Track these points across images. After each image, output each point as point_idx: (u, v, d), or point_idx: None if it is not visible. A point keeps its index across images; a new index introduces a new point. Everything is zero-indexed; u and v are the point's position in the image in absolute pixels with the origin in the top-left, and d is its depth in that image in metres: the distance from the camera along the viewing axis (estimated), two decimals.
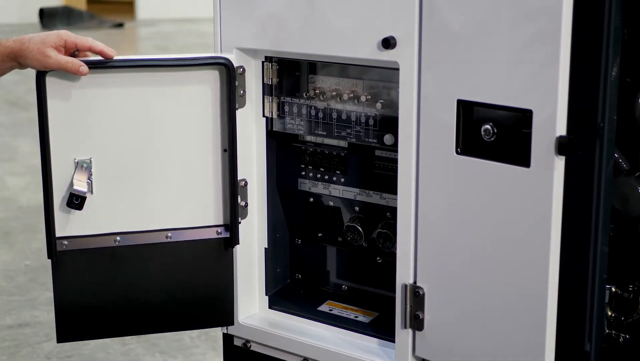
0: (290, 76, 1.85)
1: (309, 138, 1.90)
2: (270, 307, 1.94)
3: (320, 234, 1.95)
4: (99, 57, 1.72)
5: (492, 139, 1.54)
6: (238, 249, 1.86)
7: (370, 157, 1.84)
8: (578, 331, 1.54)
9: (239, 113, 1.80)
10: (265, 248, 1.92)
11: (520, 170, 1.49)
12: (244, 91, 1.81)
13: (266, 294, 1.94)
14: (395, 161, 1.68)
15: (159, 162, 1.79)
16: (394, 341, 1.71)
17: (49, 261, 1.77)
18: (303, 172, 1.93)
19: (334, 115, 1.81)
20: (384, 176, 1.82)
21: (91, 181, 1.74)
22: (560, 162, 1.46)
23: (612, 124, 1.51)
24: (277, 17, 1.73)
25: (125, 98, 1.75)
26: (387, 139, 1.75)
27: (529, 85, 1.47)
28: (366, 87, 1.78)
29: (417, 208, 1.63)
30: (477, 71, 1.52)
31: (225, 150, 1.80)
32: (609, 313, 1.72)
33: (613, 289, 1.71)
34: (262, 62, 1.82)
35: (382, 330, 1.81)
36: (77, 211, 1.73)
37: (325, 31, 1.69)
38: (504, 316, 1.56)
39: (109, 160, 1.76)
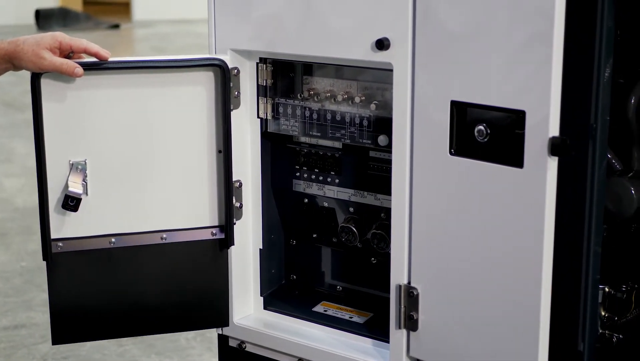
0: (284, 77, 1.85)
1: (303, 139, 1.90)
2: (265, 308, 1.94)
3: (314, 235, 1.96)
4: (93, 59, 1.72)
5: (486, 140, 1.54)
6: (233, 250, 1.86)
7: (365, 158, 1.85)
8: (571, 331, 1.54)
9: (234, 114, 1.80)
10: (260, 249, 1.92)
11: (513, 171, 1.50)
12: (239, 92, 1.81)
13: (261, 295, 1.94)
14: (389, 161, 1.68)
15: (153, 163, 1.79)
16: (388, 342, 1.71)
17: (45, 262, 1.77)
18: (297, 173, 1.94)
19: (329, 116, 1.82)
20: (378, 177, 1.82)
21: (86, 182, 1.74)
22: (553, 163, 1.46)
23: (605, 125, 1.51)
24: (271, 18, 1.74)
25: (120, 99, 1.75)
26: (381, 140, 1.76)
27: (522, 86, 1.47)
28: (360, 88, 1.78)
29: (411, 208, 1.63)
30: (471, 72, 1.52)
31: (220, 151, 1.80)
32: (603, 313, 1.72)
33: (606, 289, 1.72)
34: (257, 64, 1.83)
35: (377, 330, 1.81)
36: (72, 213, 1.74)
37: (320, 32, 1.69)
38: (497, 316, 1.56)
39: (104, 162, 1.76)
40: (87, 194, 1.75)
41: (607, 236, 1.75)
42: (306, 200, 1.94)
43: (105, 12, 12.71)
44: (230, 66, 1.78)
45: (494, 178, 1.52)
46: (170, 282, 1.84)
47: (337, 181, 1.90)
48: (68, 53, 1.70)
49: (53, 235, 1.74)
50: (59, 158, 1.73)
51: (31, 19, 11.24)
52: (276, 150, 1.91)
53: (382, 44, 1.60)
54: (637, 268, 1.76)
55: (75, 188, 1.72)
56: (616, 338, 1.71)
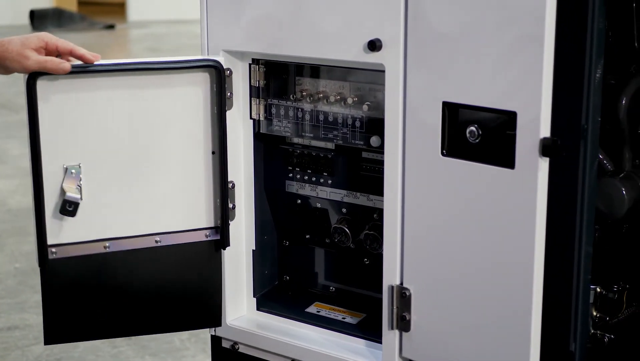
0: (277, 78, 1.86)
1: (296, 140, 1.90)
2: (258, 309, 1.95)
3: (307, 236, 1.96)
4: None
5: (477, 140, 1.55)
6: (226, 252, 1.86)
7: (357, 159, 1.85)
8: (563, 331, 1.55)
9: (227, 115, 1.80)
10: (252, 250, 1.92)
11: (505, 171, 1.50)
12: (231, 93, 1.82)
13: (254, 296, 1.95)
14: (381, 162, 1.68)
15: (147, 165, 1.79)
16: (381, 343, 1.72)
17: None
18: (290, 174, 1.94)
19: (321, 117, 1.82)
20: (371, 178, 1.83)
21: (80, 187, 1.74)
22: (544, 164, 1.47)
23: (596, 125, 1.52)
24: (263, 19, 1.74)
25: (115, 101, 1.75)
26: (374, 141, 1.76)
27: (514, 87, 1.47)
28: (353, 89, 1.78)
29: (404, 209, 1.63)
30: (462, 73, 1.53)
31: (213, 152, 1.80)
32: (594, 314, 1.73)
33: (598, 289, 1.73)
34: (249, 65, 1.83)
35: (370, 331, 1.82)
36: (66, 218, 1.73)
37: (312, 34, 1.69)
38: (490, 316, 1.57)
39: (98, 165, 1.75)
40: (81, 198, 1.74)
41: (598, 237, 1.75)
42: (299, 201, 1.95)
43: (100, 12, 12.71)
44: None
45: (486, 179, 1.53)
46: (165, 283, 1.83)
47: (329, 182, 1.90)
48: (55, 54, 1.70)
49: (49, 241, 1.74)
50: (53, 162, 1.72)
51: (26, 20, 11.23)
52: (269, 151, 1.92)
53: (374, 45, 1.60)
54: (629, 268, 1.76)
55: (73, 192, 1.72)
56: (608, 338, 1.72)
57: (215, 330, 1.93)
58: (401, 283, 1.66)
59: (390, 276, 1.67)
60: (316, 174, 1.91)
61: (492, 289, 1.55)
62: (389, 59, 1.60)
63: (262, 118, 1.87)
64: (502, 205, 1.52)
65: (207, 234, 1.83)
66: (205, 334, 3.12)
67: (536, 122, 1.45)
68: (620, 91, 1.70)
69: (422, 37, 1.56)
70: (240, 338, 1.90)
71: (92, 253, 1.77)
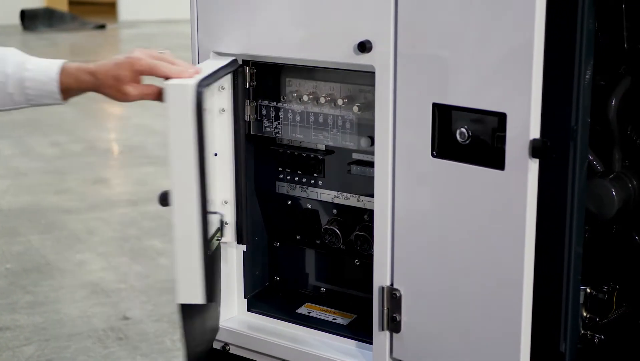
0: (267, 79, 1.85)
1: (286, 141, 1.90)
2: (248, 310, 1.94)
3: (298, 237, 1.96)
4: None
5: (467, 142, 1.55)
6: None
7: (348, 160, 1.85)
8: (553, 332, 1.55)
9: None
10: (243, 251, 1.92)
11: (495, 173, 1.51)
12: None
13: (245, 297, 1.94)
14: (372, 163, 1.68)
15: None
16: (371, 343, 1.72)
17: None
18: (281, 175, 1.94)
19: (311, 118, 1.82)
20: (361, 179, 1.83)
21: None
22: (534, 165, 1.47)
23: (586, 126, 1.52)
24: (254, 21, 1.74)
25: None
26: (364, 142, 1.76)
27: (503, 88, 1.48)
28: (343, 90, 1.78)
29: (394, 210, 1.64)
30: (452, 74, 1.53)
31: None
32: (584, 314, 1.73)
33: (588, 290, 1.73)
34: (240, 66, 1.83)
35: (360, 332, 1.82)
36: None
37: (302, 35, 1.69)
38: (480, 317, 1.57)
39: None
40: None
41: (589, 237, 1.76)
42: (289, 202, 1.95)
43: (91, 12, 12.69)
44: None
45: (476, 180, 1.53)
46: None
47: (320, 183, 1.90)
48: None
49: None
50: None
51: (16, 19, 11.21)
52: (259, 152, 1.92)
53: (364, 47, 1.60)
54: (619, 269, 1.77)
55: None
56: (598, 338, 1.72)
57: None
58: (391, 284, 1.66)
59: (381, 277, 1.67)
60: (307, 175, 1.91)
61: (482, 290, 1.56)
62: (379, 60, 1.60)
63: (252, 119, 1.86)
64: (492, 206, 1.52)
65: None
66: None
67: (526, 123, 1.46)
68: (610, 92, 1.71)
69: (412, 39, 1.56)
70: (231, 339, 1.90)
71: None
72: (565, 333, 1.55)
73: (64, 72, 1.67)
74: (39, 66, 1.68)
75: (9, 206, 4.65)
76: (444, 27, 1.53)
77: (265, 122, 1.86)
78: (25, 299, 3.49)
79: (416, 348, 1.66)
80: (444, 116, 1.56)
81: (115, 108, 7.29)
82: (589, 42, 1.49)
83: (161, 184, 5.00)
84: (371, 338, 1.71)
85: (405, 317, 1.66)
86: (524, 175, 1.47)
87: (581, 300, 1.70)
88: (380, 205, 1.65)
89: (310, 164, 1.89)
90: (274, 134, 1.87)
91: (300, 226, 1.95)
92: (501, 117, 1.48)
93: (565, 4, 1.46)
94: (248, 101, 1.85)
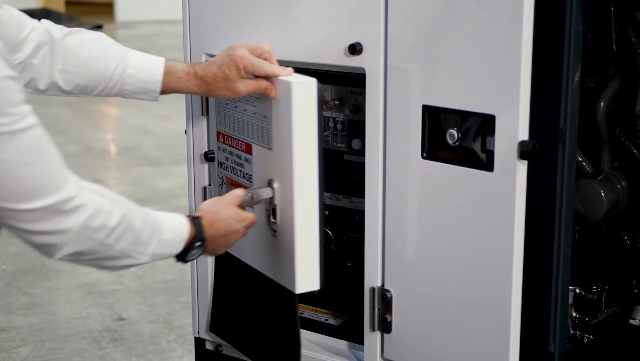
0: None
1: None
2: None
3: None
4: None
5: (457, 143, 1.56)
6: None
7: (339, 161, 1.86)
8: (542, 332, 1.56)
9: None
10: None
11: (484, 174, 1.52)
12: None
13: None
14: (363, 165, 1.69)
15: None
16: (363, 344, 1.73)
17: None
18: None
19: None
20: (353, 180, 1.84)
21: None
22: (522, 167, 1.48)
23: (574, 128, 1.53)
24: (245, 24, 1.75)
25: None
26: (355, 143, 1.77)
27: (492, 91, 1.49)
28: (334, 92, 1.79)
29: (385, 211, 1.65)
30: (442, 76, 1.54)
31: None
32: (574, 314, 1.74)
33: (577, 290, 1.74)
34: None
35: (352, 332, 1.82)
36: None
37: (293, 38, 1.70)
38: (470, 317, 1.58)
39: None
40: None
41: (578, 238, 1.77)
42: None
43: (87, 12, 12.68)
44: None
45: (465, 182, 1.54)
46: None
47: None
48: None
49: None
50: None
51: None
52: None
53: (354, 49, 1.61)
54: (608, 270, 1.78)
55: None
56: (587, 338, 1.73)
57: (198, 332, 1.94)
58: (382, 285, 1.68)
59: (372, 278, 1.68)
60: None
61: (472, 291, 1.57)
62: (370, 62, 1.61)
63: None
64: (481, 207, 1.53)
65: None
66: (192, 336, 3.14)
67: (514, 125, 1.47)
68: (599, 93, 1.72)
69: (402, 41, 1.57)
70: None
71: None
72: (554, 333, 1.56)
73: (168, 74, 1.66)
74: (141, 63, 1.67)
75: None
76: (433, 29, 1.54)
77: None
78: (21, 300, 3.50)
79: (407, 349, 1.67)
80: (433, 118, 1.57)
81: (111, 108, 7.30)
82: (577, 44, 1.50)
83: (158, 185, 5.01)
84: (362, 339, 1.72)
85: (396, 318, 1.67)
86: (512, 176, 1.49)
87: (571, 300, 1.71)
88: (371, 206, 1.66)
89: None
90: None
91: None
92: (490, 119, 1.49)
93: (554, 6, 1.47)
94: None
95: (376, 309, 1.68)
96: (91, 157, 5.81)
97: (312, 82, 1.58)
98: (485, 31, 1.48)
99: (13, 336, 3.23)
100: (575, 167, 1.59)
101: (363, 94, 1.67)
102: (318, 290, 1.94)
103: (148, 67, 1.66)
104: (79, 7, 12.93)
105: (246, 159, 1.73)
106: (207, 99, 1.83)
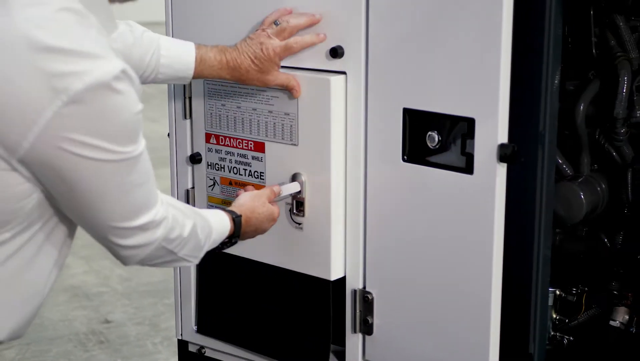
0: None
1: None
2: None
3: None
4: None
5: (437, 146, 1.56)
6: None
7: None
8: (522, 333, 1.57)
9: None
10: None
11: (464, 177, 1.52)
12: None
13: None
14: None
15: None
16: (344, 346, 1.73)
17: None
18: None
19: None
20: None
21: None
22: (502, 170, 1.49)
23: (554, 131, 1.54)
24: (227, 27, 1.75)
25: None
26: None
27: (472, 94, 1.49)
28: None
29: (366, 214, 1.65)
30: (422, 80, 1.55)
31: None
32: (554, 316, 1.76)
33: (557, 292, 1.75)
34: None
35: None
36: None
37: None
38: (450, 319, 1.58)
39: None
40: None
41: (558, 240, 1.78)
42: None
43: None
44: None
45: (445, 184, 1.55)
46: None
47: None
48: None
49: None
50: None
51: None
52: None
53: (335, 53, 1.62)
54: (588, 272, 1.79)
55: None
56: (567, 340, 1.74)
57: (181, 335, 1.94)
58: (364, 287, 1.68)
59: (353, 281, 1.69)
60: None
61: (452, 293, 1.57)
62: (351, 66, 1.62)
63: None
64: (461, 210, 1.54)
65: None
66: None
67: (494, 128, 1.47)
68: (579, 96, 1.73)
69: (383, 45, 1.58)
70: (206, 342, 1.91)
71: None
72: (534, 334, 1.57)
73: (201, 62, 1.67)
74: (174, 52, 1.67)
75: None
76: (413, 33, 1.54)
77: None
78: None
79: (388, 350, 1.67)
80: (414, 121, 1.57)
81: None
82: (556, 47, 1.50)
83: None
84: (344, 341, 1.73)
85: (377, 320, 1.67)
86: (492, 179, 1.49)
87: (551, 302, 1.72)
88: (353, 209, 1.66)
89: None
90: None
91: None
92: (470, 123, 1.50)
93: (533, 9, 1.48)
94: None
95: (357, 311, 1.69)
96: None
97: (342, 77, 1.63)
98: (465, 34, 1.48)
99: None
100: (555, 169, 1.60)
101: None
102: None
103: (180, 55, 1.67)
104: None
105: (254, 158, 1.75)
106: (190, 102, 1.83)
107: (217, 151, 1.81)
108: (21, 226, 1.24)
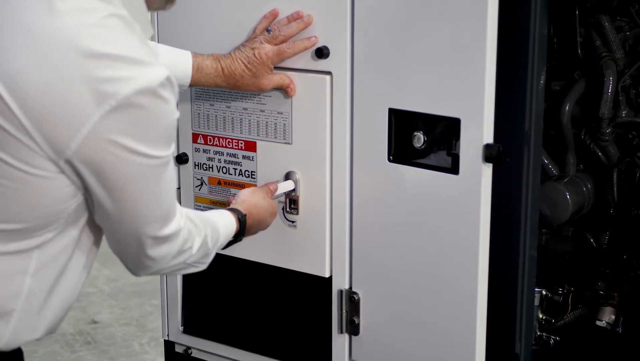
0: None
1: None
2: None
3: None
4: None
5: (423, 147, 1.56)
6: None
7: None
8: (508, 333, 1.57)
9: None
10: None
11: (450, 177, 1.52)
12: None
13: None
14: None
15: None
16: (331, 346, 1.73)
17: None
18: None
19: None
20: None
21: None
22: (487, 170, 1.49)
23: (540, 131, 1.54)
24: (211, 30, 1.74)
25: None
26: None
27: (457, 94, 1.49)
28: None
29: (352, 214, 1.65)
30: (408, 80, 1.55)
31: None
32: (540, 316, 1.76)
33: (544, 292, 1.75)
34: None
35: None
36: None
37: None
38: (436, 319, 1.58)
39: None
40: None
41: (544, 240, 1.78)
42: None
43: None
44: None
45: (431, 184, 1.55)
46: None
47: None
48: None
49: None
50: None
51: None
52: None
53: (321, 53, 1.61)
54: (574, 272, 1.79)
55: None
56: (553, 340, 1.75)
57: (168, 335, 1.94)
58: (350, 288, 1.68)
59: (339, 281, 1.69)
60: None
61: (438, 293, 1.57)
62: (337, 66, 1.62)
63: None
64: (447, 210, 1.54)
65: None
66: None
67: (479, 128, 1.47)
68: (564, 97, 1.73)
69: (368, 45, 1.58)
70: (193, 343, 1.91)
71: None
72: (521, 334, 1.58)
73: (198, 70, 1.67)
74: (171, 59, 1.67)
75: None
76: (399, 33, 1.54)
77: None
78: None
79: (374, 350, 1.67)
80: (400, 121, 1.57)
81: None
82: (541, 47, 1.51)
83: None
84: (330, 341, 1.73)
85: (363, 320, 1.67)
86: (478, 180, 1.49)
87: (537, 302, 1.72)
88: (338, 209, 1.66)
89: None
90: None
91: None
92: (455, 123, 1.50)
93: (518, 10, 1.48)
94: None
95: (344, 311, 1.68)
96: None
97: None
98: (450, 35, 1.48)
99: None
100: (541, 170, 1.61)
101: None
102: None
103: (178, 63, 1.67)
104: None
105: (245, 157, 1.75)
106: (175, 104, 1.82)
107: (204, 150, 1.80)
108: (60, 228, 1.26)
